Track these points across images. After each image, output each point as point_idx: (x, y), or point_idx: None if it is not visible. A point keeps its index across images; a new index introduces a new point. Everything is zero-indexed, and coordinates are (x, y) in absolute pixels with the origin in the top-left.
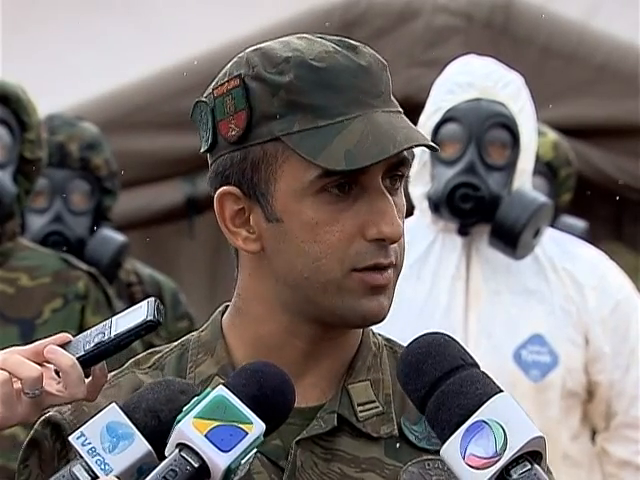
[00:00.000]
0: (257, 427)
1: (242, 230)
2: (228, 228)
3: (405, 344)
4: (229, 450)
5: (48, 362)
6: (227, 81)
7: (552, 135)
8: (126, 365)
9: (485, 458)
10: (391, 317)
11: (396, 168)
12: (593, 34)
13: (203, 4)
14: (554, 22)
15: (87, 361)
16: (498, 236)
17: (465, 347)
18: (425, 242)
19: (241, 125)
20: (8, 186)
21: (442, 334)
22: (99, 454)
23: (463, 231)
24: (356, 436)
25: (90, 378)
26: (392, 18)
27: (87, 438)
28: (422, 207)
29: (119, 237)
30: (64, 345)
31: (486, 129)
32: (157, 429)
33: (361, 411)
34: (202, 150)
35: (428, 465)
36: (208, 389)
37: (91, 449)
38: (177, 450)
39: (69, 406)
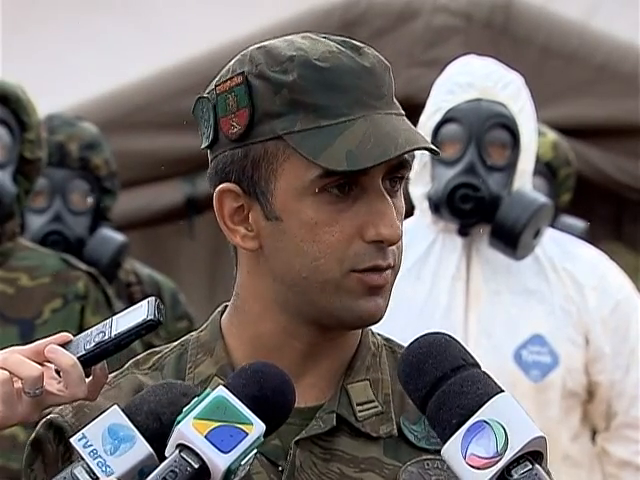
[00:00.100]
0: (257, 428)
1: (240, 228)
2: (227, 225)
3: (405, 344)
4: (229, 451)
5: (49, 361)
6: (230, 78)
7: (552, 135)
8: (126, 366)
9: (486, 458)
10: (391, 317)
11: (396, 170)
12: (593, 34)
13: (203, 4)
14: (554, 22)
15: (88, 360)
16: (498, 236)
17: (466, 347)
18: (425, 242)
19: (243, 123)
20: (8, 186)
21: (443, 334)
22: (100, 456)
23: (463, 231)
24: (355, 436)
25: (91, 377)
26: (392, 18)
27: (89, 440)
28: (422, 207)
29: (119, 237)
30: (64, 345)
31: (486, 129)
32: (159, 431)
33: (360, 411)
34: (202, 146)
35: (427, 465)
36: (208, 390)
37: (92, 451)
38: (177, 451)
39: (70, 408)
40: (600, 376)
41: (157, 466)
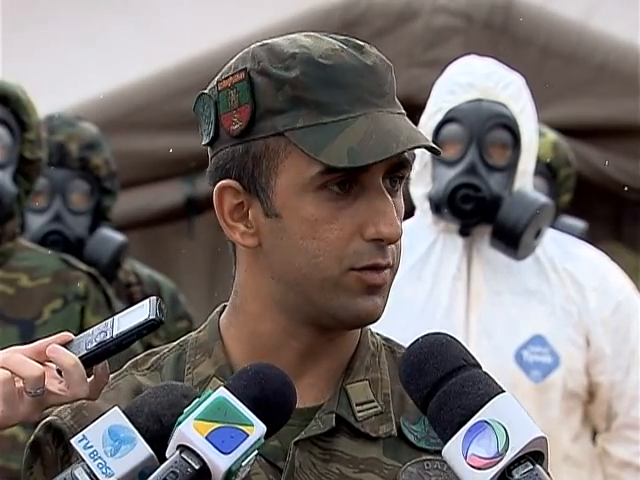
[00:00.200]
0: (258, 429)
1: (240, 224)
2: (226, 222)
3: (406, 344)
4: (230, 452)
5: (50, 361)
6: (232, 75)
7: (552, 135)
8: (124, 367)
9: (487, 458)
10: (392, 317)
11: (397, 169)
12: (592, 34)
13: (203, 4)
14: (553, 22)
15: (89, 360)
16: (499, 237)
17: (466, 347)
18: (426, 243)
19: (244, 119)
20: (8, 186)
21: (444, 334)
22: (101, 457)
23: (464, 232)
24: (354, 436)
25: (92, 377)
26: (392, 18)
27: (89, 441)
28: (423, 208)
29: (118, 237)
30: (66, 344)
31: (487, 130)
32: (159, 433)
33: (359, 411)
34: (203, 143)
35: (427, 465)
36: (209, 391)
37: (93, 452)
38: (178, 452)
39: (69, 410)
40: (601, 377)
41: (157, 468)
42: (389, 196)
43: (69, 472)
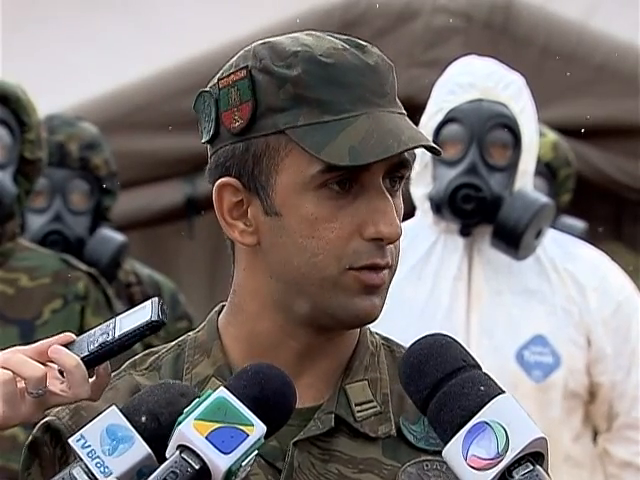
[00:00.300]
0: (258, 429)
1: (239, 223)
2: (225, 220)
3: (406, 345)
4: (230, 452)
5: (52, 361)
6: (233, 72)
7: (552, 136)
8: (123, 367)
9: (487, 459)
10: (393, 318)
11: (397, 169)
12: (592, 34)
13: (203, 4)
14: (553, 22)
15: (91, 361)
16: (500, 237)
17: (467, 348)
18: (427, 243)
19: (245, 116)
20: (8, 186)
21: (443, 335)
22: (99, 457)
23: (465, 232)
24: (354, 436)
25: (94, 378)
26: (392, 18)
27: (87, 441)
28: (424, 208)
29: (118, 237)
30: (68, 345)
31: (488, 130)
32: (157, 432)
33: (359, 411)
34: (203, 140)
35: (427, 466)
36: (209, 391)
37: (91, 452)
38: (178, 452)
39: (67, 410)
40: (602, 377)
41: (156, 467)
42: (389, 196)
43: (67, 472)
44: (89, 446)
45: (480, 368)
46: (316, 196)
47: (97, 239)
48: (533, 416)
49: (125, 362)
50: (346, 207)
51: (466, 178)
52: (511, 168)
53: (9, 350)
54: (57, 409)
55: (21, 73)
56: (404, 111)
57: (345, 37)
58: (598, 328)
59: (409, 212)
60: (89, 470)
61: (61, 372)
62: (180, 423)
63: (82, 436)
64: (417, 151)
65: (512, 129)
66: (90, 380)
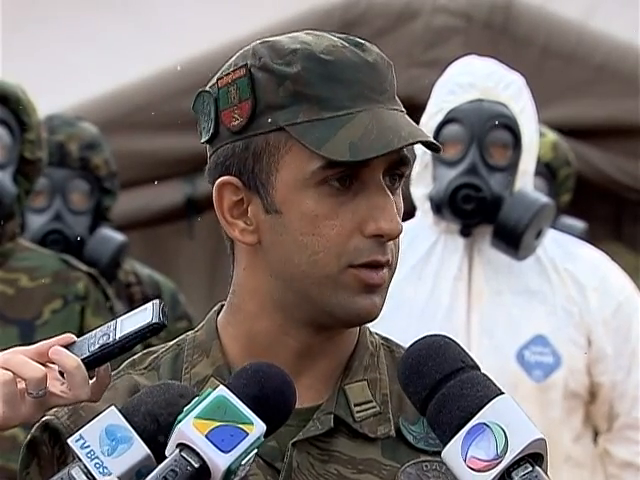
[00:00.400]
0: (258, 428)
1: (240, 221)
2: (226, 219)
3: (405, 345)
4: (229, 450)
5: (52, 362)
6: (232, 71)
7: (551, 136)
8: (122, 366)
9: (486, 461)
10: (393, 318)
11: (396, 167)
12: (592, 34)
13: (203, 4)
14: (553, 22)
15: (92, 363)
16: (500, 237)
17: (466, 348)
18: (427, 243)
19: (245, 115)
20: (8, 187)
21: (442, 336)
22: (98, 457)
23: (465, 232)
24: (353, 437)
25: (94, 379)
26: (392, 18)
27: (86, 441)
28: (424, 208)
29: (119, 236)
30: (68, 346)
31: (488, 130)
32: (156, 433)
33: (358, 412)
34: (202, 140)
35: (426, 467)
36: (209, 389)
37: (90, 452)
38: (177, 450)
39: (66, 410)
40: (602, 377)
41: (155, 467)
42: (389, 193)
43: (66, 472)
44: (88, 446)
45: (479, 369)
46: (316, 193)
47: (97, 239)
48: (533, 416)
49: (124, 362)
50: (346, 204)
51: (466, 178)
52: (511, 168)
53: (9, 351)
54: (56, 408)
55: (21, 73)
56: (403, 109)
57: (344, 35)
58: (598, 328)
59: (409, 212)
60: (88, 470)
61: (61, 373)
62: (180, 421)
63: (81, 436)
64: (417, 151)
65: (512, 129)
66: (90, 381)
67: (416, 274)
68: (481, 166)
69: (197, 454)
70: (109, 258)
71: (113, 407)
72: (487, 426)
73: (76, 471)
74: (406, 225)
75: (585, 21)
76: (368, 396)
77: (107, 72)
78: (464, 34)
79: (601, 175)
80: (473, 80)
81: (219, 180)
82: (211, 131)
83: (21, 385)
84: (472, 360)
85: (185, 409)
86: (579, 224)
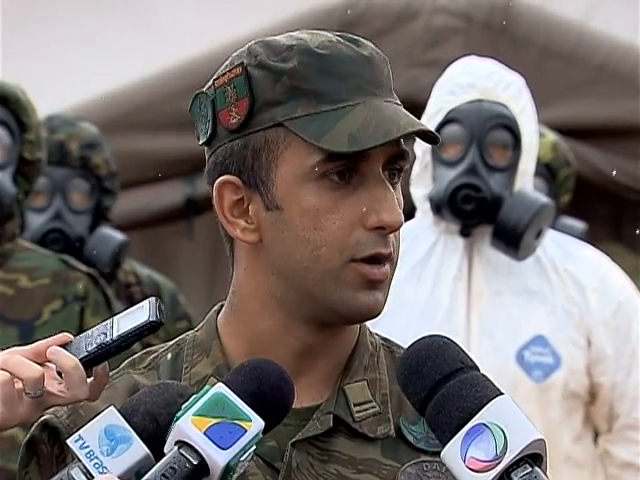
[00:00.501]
0: (256, 424)
1: (240, 220)
2: (226, 218)
3: (405, 345)
4: (228, 447)
5: (49, 362)
6: (229, 71)
7: (551, 136)
8: (121, 366)
9: (486, 461)
10: (393, 318)
11: (395, 160)
12: (592, 34)
13: (203, 4)
14: (553, 22)
15: (89, 362)
16: (500, 237)
17: (466, 348)
18: (427, 243)
19: (243, 112)
20: (8, 187)
21: (441, 336)
22: (97, 457)
23: (465, 232)
24: (352, 437)
25: (92, 378)
26: (392, 18)
27: (85, 441)
28: (424, 209)
29: (119, 236)
30: (65, 345)
31: (487, 130)
32: (155, 432)
33: (357, 411)
34: (200, 142)
35: (426, 467)
36: (207, 386)
37: (89, 452)
38: (176, 447)
39: (65, 409)
40: (602, 377)
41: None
42: (389, 185)
43: (66, 472)
44: (87, 446)
45: (478, 369)
46: (317, 187)
47: (97, 237)
48: (533, 417)
49: (124, 361)
50: (347, 197)
51: (466, 178)
52: (511, 168)
53: (6, 351)
54: (55, 408)
55: (21, 73)
56: (400, 103)
57: (339, 33)
58: (598, 328)
59: (409, 212)
60: (87, 471)
61: (59, 373)
62: (178, 419)
63: (80, 436)
64: (417, 151)
65: (512, 129)
66: (88, 380)
67: (416, 274)
68: (481, 166)
69: (196, 451)
70: (109, 257)
71: (112, 407)
72: (486, 427)
73: (75, 471)
74: (406, 226)
75: (585, 21)
76: (368, 396)
77: (107, 72)
78: (464, 34)
79: (601, 175)
80: (473, 80)
81: (219, 180)
82: (209, 132)
83: (18, 385)
84: (471, 360)
85: (183, 406)
86: (579, 225)
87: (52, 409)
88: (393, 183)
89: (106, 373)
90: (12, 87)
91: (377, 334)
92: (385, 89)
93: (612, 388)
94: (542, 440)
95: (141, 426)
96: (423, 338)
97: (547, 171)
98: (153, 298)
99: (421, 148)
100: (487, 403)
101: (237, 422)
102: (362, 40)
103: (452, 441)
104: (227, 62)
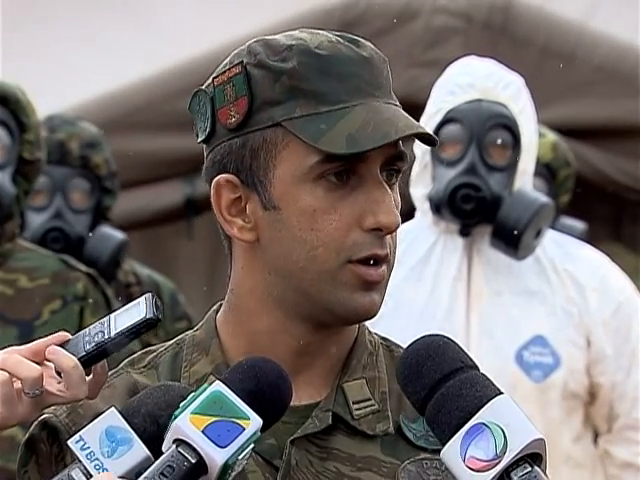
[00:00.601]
0: (254, 422)
1: (238, 219)
2: (224, 217)
3: (404, 345)
4: (226, 446)
5: (48, 361)
6: (228, 69)
7: (551, 136)
8: (121, 365)
9: (485, 461)
10: (393, 318)
11: (393, 162)
12: (592, 34)
13: (203, 4)
14: (553, 22)
15: (88, 361)
16: (500, 237)
17: (466, 348)
18: (426, 243)
19: (241, 111)
20: (7, 187)
21: (441, 336)
22: (98, 459)
23: (464, 232)
24: (351, 434)
25: (91, 376)
26: (391, 18)
27: (86, 442)
28: (423, 208)
29: (119, 235)
30: (63, 344)
31: (487, 130)
32: (156, 434)
33: (356, 409)
34: (199, 140)
35: (426, 464)
36: (205, 385)
37: (90, 453)
38: (174, 446)
39: (64, 408)
40: (601, 378)
41: None
42: (387, 186)
43: (66, 473)
44: (88, 448)
45: (478, 369)
46: (314, 188)
47: (97, 237)
48: (533, 417)
49: (123, 360)
50: (345, 199)
51: (465, 178)
52: (510, 168)
53: (5, 350)
54: (54, 407)
55: (21, 73)
56: (399, 104)
57: (339, 33)
58: (598, 329)
59: (408, 213)
60: (88, 472)
61: (58, 372)
62: (176, 417)
63: (81, 437)
64: (417, 151)
65: (511, 129)
66: (87, 378)
67: (416, 275)
68: (480, 166)
69: (194, 449)
70: (109, 256)
71: (113, 408)
72: (486, 426)
73: (76, 472)
74: (405, 226)
75: (585, 21)
76: (367, 394)
77: (107, 72)
78: (464, 34)
79: (601, 175)
80: (472, 80)
81: (217, 178)
82: (208, 130)
83: (17, 385)
84: (471, 360)
85: (181, 405)
86: (579, 225)
87: (51, 408)
88: (391, 184)
89: (105, 371)
90: (12, 87)
91: (376, 333)
92: (384, 90)
93: (612, 388)
94: (542, 440)
95: (142, 427)
96: (423, 337)
97: (547, 171)
98: (149, 294)
99: (420, 148)
100: (487, 402)
101: (235, 420)
102: (362, 40)
103: (452, 440)
104: (226, 60)
